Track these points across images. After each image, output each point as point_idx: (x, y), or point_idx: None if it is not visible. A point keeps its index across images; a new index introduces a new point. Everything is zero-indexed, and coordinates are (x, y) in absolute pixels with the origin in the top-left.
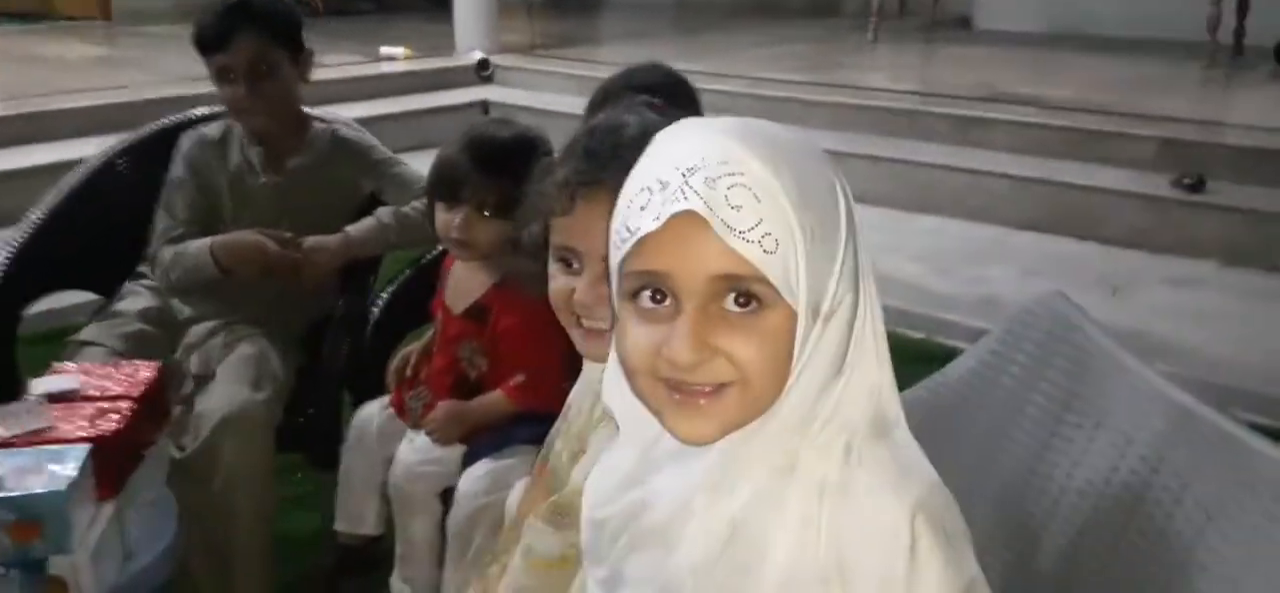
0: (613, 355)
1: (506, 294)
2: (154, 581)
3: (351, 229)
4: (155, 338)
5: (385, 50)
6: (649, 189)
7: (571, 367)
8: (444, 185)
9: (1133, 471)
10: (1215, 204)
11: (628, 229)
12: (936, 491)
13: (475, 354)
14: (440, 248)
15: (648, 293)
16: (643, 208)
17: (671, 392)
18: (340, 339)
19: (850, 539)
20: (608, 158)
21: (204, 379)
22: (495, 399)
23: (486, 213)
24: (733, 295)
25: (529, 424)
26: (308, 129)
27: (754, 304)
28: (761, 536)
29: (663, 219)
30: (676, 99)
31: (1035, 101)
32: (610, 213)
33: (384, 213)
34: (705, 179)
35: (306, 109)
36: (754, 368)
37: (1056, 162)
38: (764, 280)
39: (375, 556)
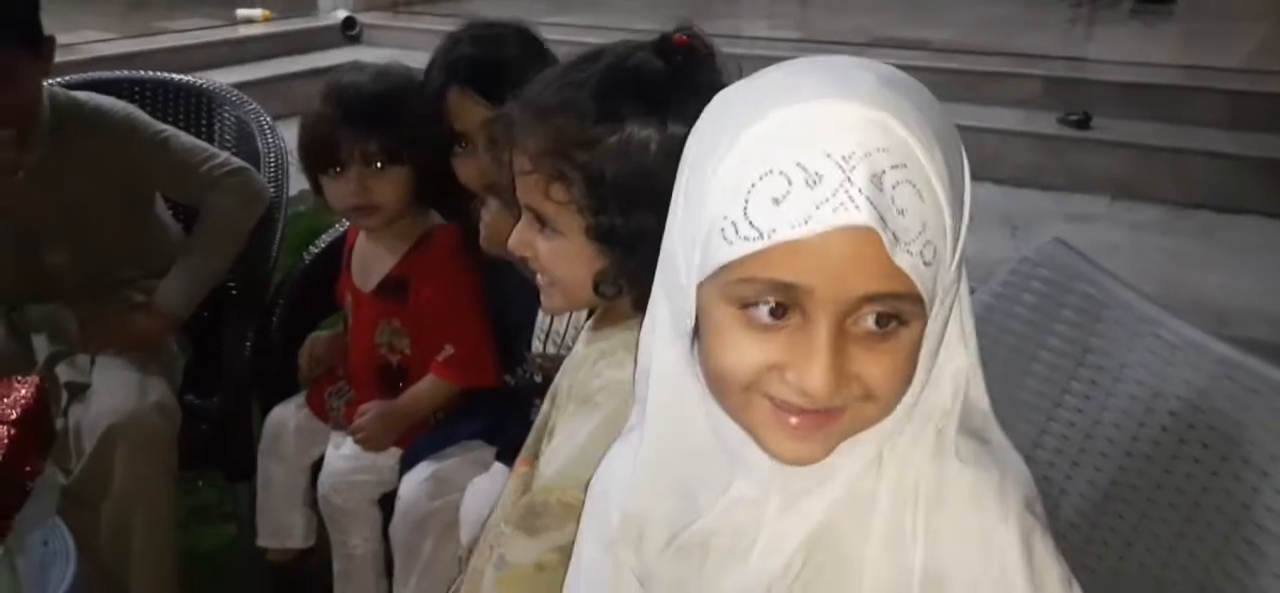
0: (644, 340)
1: (423, 260)
2: None
3: (159, 299)
4: (7, 353)
5: (242, 12)
6: (783, 176)
7: (499, 332)
8: (319, 154)
9: (1163, 427)
10: (1102, 140)
11: (751, 225)
12: (1033, 487)
13: (395, 336)
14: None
15: (768, 306)
16: (776, 201)
17: (774, 411)
18: (241, 331)
19: (952, 548)
20: (535, 105)
21: (78, 389)
22: (428, 387)
23: (379, 165)
24: (876, 314)
25: (470, 419)
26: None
27: (895, 323)
28: (849, 544)
29: (817, 227)
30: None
31: (921, 45)
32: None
33: (190, 249)
34: (871, 176)
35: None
36: (886, 390)
37: (949, 104)
38: (917, 298)
39: (310, 571)
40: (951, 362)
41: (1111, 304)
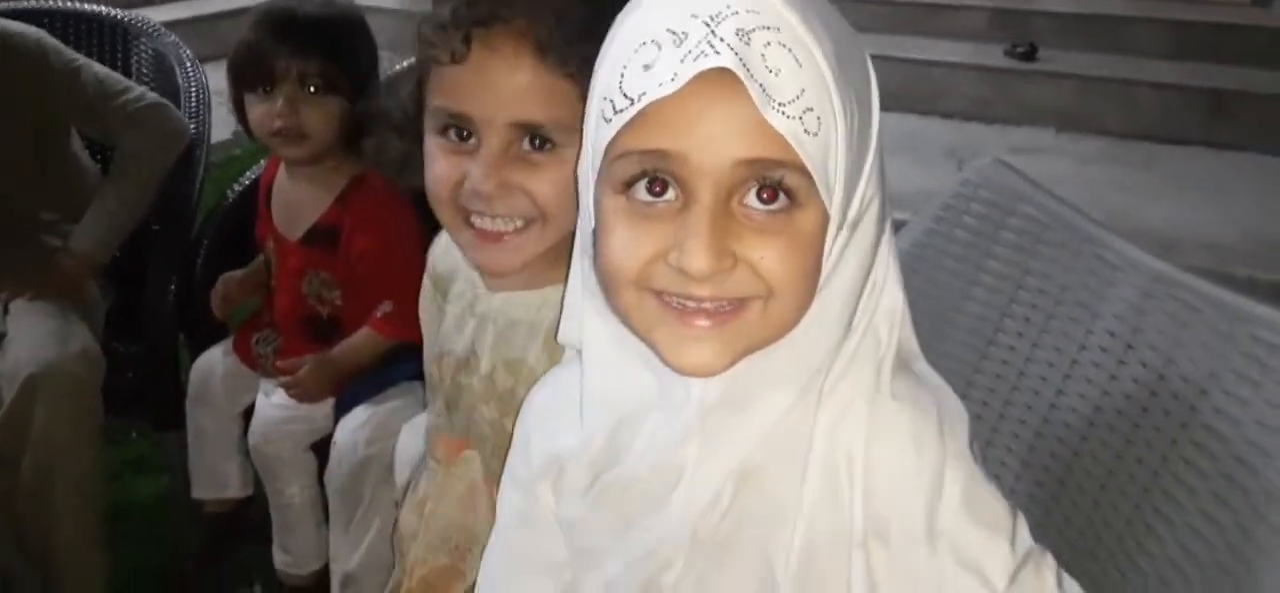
0: (573, 279)
1: (356, 207)
2: None
3: (75, 243)
4: None
5: None
6: (654, 43)
7: None
8: (250, 72)
9: (1103, 348)
10: (1048, 71)
11: (624, 95)
12: (969, 426)
13: (324, 287)
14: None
15: (644, 183)
16: (646, 67)
17: (668, 308)
18: (165, 274)
19: (890, 495)
20: None
21: None
22: (364, 339)
23: (313, 89)
24: (758, 188)
25: (408, 359)
26: None
27: (783, 200)
28: (782, 485)
29: (682, 79)
30: None
31: None
32: (519, 62)
33: (105, 189)
34: (736, 30)
35: None
36: (784, 281)
37: (896, 37)
38: (801, 169)
39: (248, 520)
40: (888, 298)
41: (1053, 225)
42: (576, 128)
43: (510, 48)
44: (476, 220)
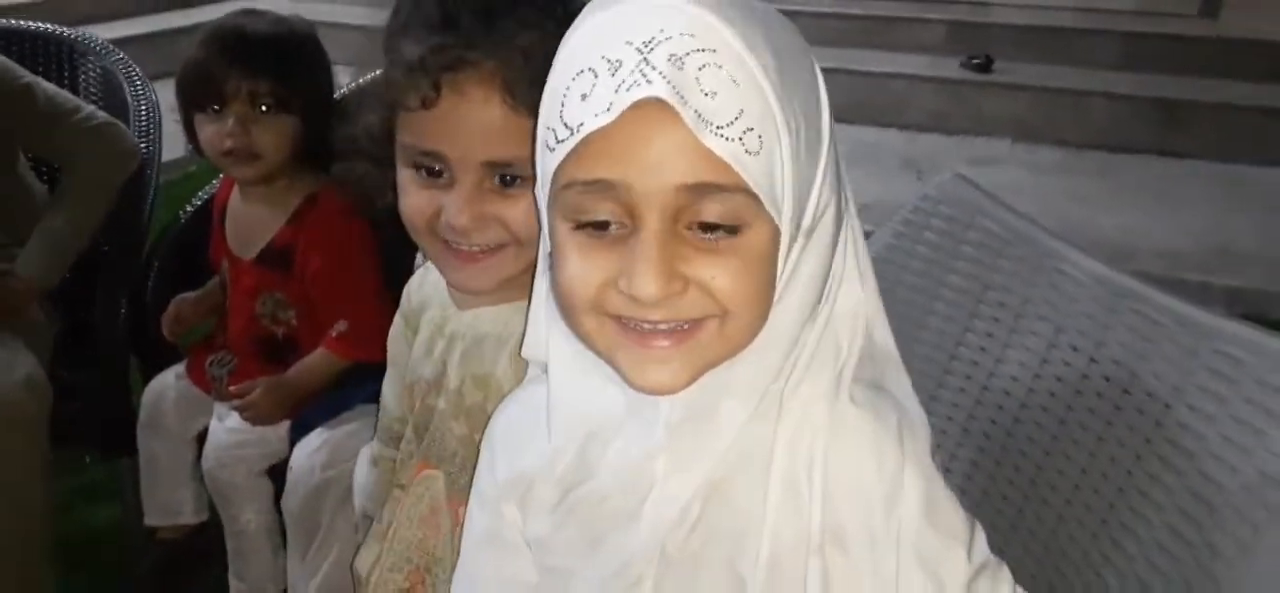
0: (537, 297)
1: (310, 227)
2: None
3: (21, 266)
4: None
5: None
6: (591, 71)
7: (393, 294)
8: (199, 91)
9: (1066, 363)
10: (1004, 83)
11: (564, 126)
12: (931, 437)
13: (278, 307)
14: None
15: (595, 214)
16: (583, 97)
17: (627, 331)
18: (114, 298)
19: (849, 500)
20: (481, 22)
21: None
22: (319, 360)
23: (264, 108)
24: (705, 210)
25: (364, 382)
26: None
27: (732, 221)
28: (747, 497)
29: (616, 111)
30: None
31: None
32: (488, 105)
33: (53, 211)
34: (669, 56)
35: None
36: (736, 300)
37: (854, 50)
38: (745, 190)
39: (203, 547)
40: (847, 300)
41: (1014, 240)
42: None
43: (480, 92)
44: (453, 243)
